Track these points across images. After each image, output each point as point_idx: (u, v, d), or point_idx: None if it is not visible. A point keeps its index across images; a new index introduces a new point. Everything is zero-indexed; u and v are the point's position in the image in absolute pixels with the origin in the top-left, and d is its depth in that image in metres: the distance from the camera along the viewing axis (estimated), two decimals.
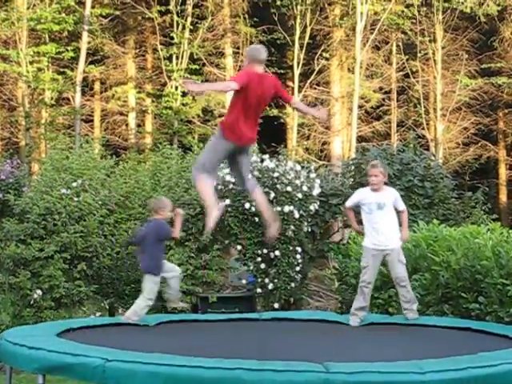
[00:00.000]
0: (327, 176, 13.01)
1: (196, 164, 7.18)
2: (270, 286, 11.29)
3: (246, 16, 24.98)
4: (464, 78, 25.23)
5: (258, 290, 11.39)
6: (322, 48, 24.76)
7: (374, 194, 8.15)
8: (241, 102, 6.76)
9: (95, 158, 13.21)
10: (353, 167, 12.87)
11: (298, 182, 11.43)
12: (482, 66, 25.78)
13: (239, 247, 11.54)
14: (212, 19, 24.78)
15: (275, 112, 24.85)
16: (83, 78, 23.59)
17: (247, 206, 11.20)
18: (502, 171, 28.38)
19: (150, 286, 8.13)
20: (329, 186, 12.28)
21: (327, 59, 24.99)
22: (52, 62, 23.75)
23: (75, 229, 11.20)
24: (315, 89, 25.21)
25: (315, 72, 24.67)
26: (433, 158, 14.12)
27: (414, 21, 24.79)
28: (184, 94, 24.32)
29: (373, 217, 8.11)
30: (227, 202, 11.16)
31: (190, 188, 11.86)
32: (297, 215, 11.31)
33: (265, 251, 11.32)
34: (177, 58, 24.36)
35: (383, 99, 26.11)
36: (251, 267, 11.44)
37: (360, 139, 24.50)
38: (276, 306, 11.23)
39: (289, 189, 11.25)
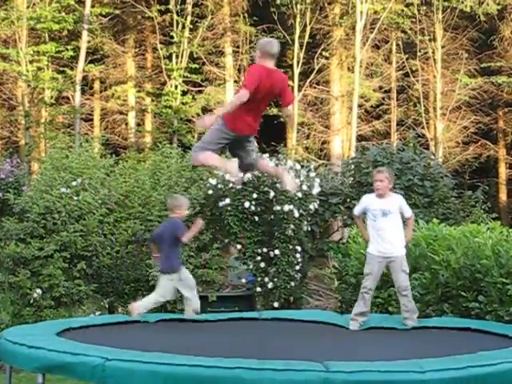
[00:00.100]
0: (327, 175, 13.01)
1: (195, 147, 7.13)
2: (270, 285, 11.28)
3: (246, 15, 24.96)
4: (464, 77, 25.21)
5: (258, 289, 11.38)
6: (322, 47, 24.74)
7: (379, 200, 8.09)
8: (252, 96, 6.66)
9: (95, 157, 13.20)
10: (352, 166, 12.86)
11: (297, 181, 11.42)
12: (482, 65, 25.76)
13: (239, 246, 11.55)
14: (212, 18, 24.76)
15: (275, 111, 24.82)
16: (83, 77, 23.59)
17: (247, 204, 11.20)
18: (502, 170, 28.38)
19: (163, 283, 8.14)
20: (328, 185, 12.28)
21: (327, 58, 24.98)
22: (52, 61, 23.74)
23: (75, 228, 11.19)
24: (315, 88, 25.20)
25: (315, 71, 24.65)
26: (433, 157, 14.11)
27: (414, 20, 24.77)
28: (184, 93, 24.32)
29: (377, 223, 8.06)
30: (227, 201, 11.16)
31: (189, 187, 11.86)
32: (296, 214, 11.30)
33: (264, 250, 11.32)
34: (176, 56, 24.35)
35: (383, 98, 26.10)
36: (251, 266, 11.44)
37: (360, 138, 24.48)
38: (276, 304, 11.23)
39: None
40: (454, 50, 26.04)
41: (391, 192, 8.26)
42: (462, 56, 25.56)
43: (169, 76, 24.37)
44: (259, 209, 11.35)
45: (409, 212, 8.20)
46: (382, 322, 8.08)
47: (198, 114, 24.57)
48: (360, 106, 24.42)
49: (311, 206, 11.56)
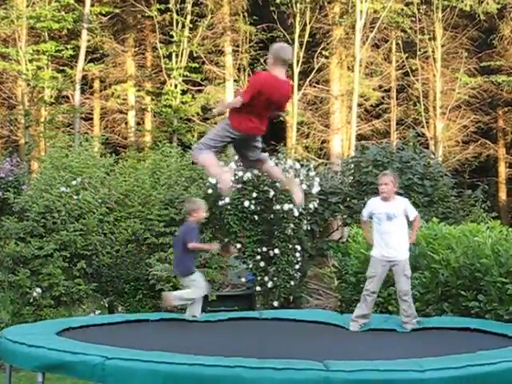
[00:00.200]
0: (326, 174, 13.02)
1: (197, 145, 7.11)
2: (270, 284, 11.29)
3: (246, 14, 24.96)
4: (464, 76, 25.22)
5: (258, 288, 11.39)
6: (322, 46, 24.74)
7: (384, 203, 8.08)
8: (253, 104, 6.64)
9: (95, 156, 13.20)
10: (352, 165, 12.87)
11: (297, 180, 11.42)
12: (482, 64, 25.76)
13: (239, 245, 11.55)
14: (211, 17, 24.76)
15: None
16: (83, 76, 23.58)
17: (246, 204, 11.20)
18: (502, 169, 28.37)
19: (191, 283, 8.13)
20: (328, 184, 12.29)
21: (327, 57, 24.97)
22: (51, 60, 23.72)
23: (75, 227, 11.20)
24: (315, 87, 25.20)
25: (315, 70, 24.64)
26: (432, 156, 14.12)
27: (414, 19, 24.77)
28: (183, 92, 24.32)
29: (382, 227, 8.05)
30: (227, 200, 11.16)
31: (189, 186, 11.86)
32: (296, 213, 11.30)
33: (264, 249, 11.33)
34: (176, 56, 24.34)
35: (383, 97, 26.09)
36: (250, 265, 11.45)
37: (359, 137, 24.47)
38: (275, 304, 11.23)
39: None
40: (453, 49, 26.03)
41: (396, 195, 8.25)
42: (462, 55, 25.55)
43: (168, 75, 24.36)
44: (259, 208, 11.35)
45: (413, 214, 8.17)
46: (382, 324, 8.08)
47: (198, 114, 24.62)
48: (360, 105, 24.42)
49: (311, 205, 11.57)
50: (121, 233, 11.60)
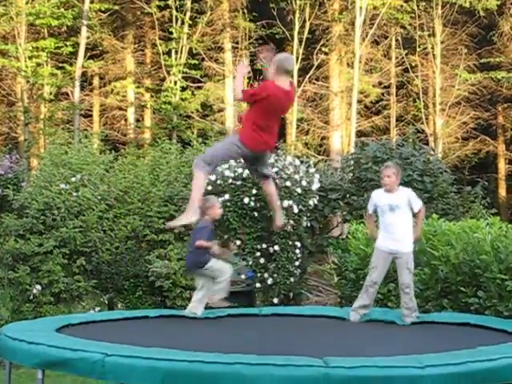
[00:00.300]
0: (326, 171, 13.01)
1: (204, 155, 7.13)
2: (270, 281, 11.28)
3: (245, 11, 24.96)
4: (463, 72, 25.21)
5: (258, 285, 11.38)
6: (321, 43, 24.74)
7: (387, 195, 8.06)
8: (259, 113, 6.73)
9: (94, 153, 13.21)
10: (352, 162, 12.86)
11: (297, 176, 11.42)
12: (482, 61, 25.76)
13: (238, 242, 11.53)
14: (211, 14, 24.76)
15: None
16: (82, 72, 23.59)
17: (246, 200, 11.19)
18: (501, 166, 28.38)
19: (212, 272, 8.12)
20: (328, 180, 12.28)
21: (326, 54, 24.97)
22: (51, 57, 23.74)
23: (74, 224, 11.20)
24: (314, 84, 25.20)
25: (314, 67, 24.65)
26: (432, 152, 14.11)
27: (413, 15, 24.77)
28: (183, 89, 24.31)
29: (385, 219, 8.03)
30: (226, 196, 11.16)
31: (189, 183, 11.85)
32: (296, 210, 11.30)
33: (264, 246, 11.31)
34: (176, 52, 24.34)
35: (382, 94, 26.10)
36: (250, 262, 11.44)
37: (359, 134, 24.48)
38: (275, 300, 11.23)
39: (288, 183, 11.24)
40: (453, 45, 26.03)
41: (400, 187, 8.23)
42: (462, 51, 25.54)
43: (168, 72, 24.37)
44: (258, 204, 11.34)
45: (418, 205, 8.07)
46: (382, 316, 8.08)
47: (198, 110, 24.62)
48: (359, 101, 24.42)
49: (311, 202, 11.56)
50: (120, 229, 11.60)
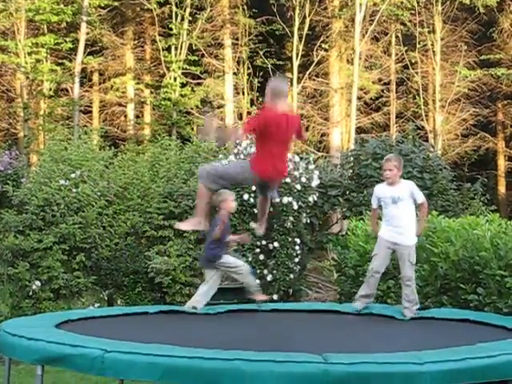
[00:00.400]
0: (326, 167, 13.02)
1: (212, 168, 7.15)
2: (269, 278, 11.29)
3: (245, 7, 24.95)
4: (463, 69, 25.20)
5: (257, 282, 11.38)
6: (321, 39, 24.73)
7: (390, 188, 8.05)
8: (264, 142, 6.74)
9: (94, 149, 13.19)
10: (352, 158, 12.86)
11: (296, 173, 11.42)
12: (481, 58, 25.75)
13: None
14: (211, 10, 24.74)
15: None
16: (82, 69, 23.56)
17: (246, 197, 11.19)
18: (501, 162, 28.38)
19: (227, 269, 8.19)
20: (328, 177, 12.28)
21: (326, 50, 24.96)
22: (50, 53, 23.72)
23: (74, 220, 11.20)
24: (314, 80, 25.19)
25: (314, 63, 24.64)
26: (432, 149, 14.12)
27: (413, 12, 24.76)
28: (183, 85, 24.31)
29: (388, 211, 8.02)
30: None
31: (188, 179, 11.85)
32: (295, 206, 11.30)
33: (263, 242, 11.32)
34: (175, 48, 24.33)
35: (382, 90, 26.09)
36: (250, 258, 11.43)
37: (359, 130, 24.48)
38: (275, 297, 11.23)
39: (287, 180, 11.24)
40: (453, 42, 26.02)
41: (402, 179, 8.21)
42: (462, 48, 25.55)
43: (168, 68, 24.35)
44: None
45: (421, 198, 8.02)
46: (382, 312, 8.09)
47: (197, 106, 24.61)
48: (359, 98, 24.41)
49: (310, 199, 11.56)
50: (120, 226, 11.60)
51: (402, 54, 25.63)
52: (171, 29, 24.39)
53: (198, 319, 7.87)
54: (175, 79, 24.05)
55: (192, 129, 24.17)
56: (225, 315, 8.17)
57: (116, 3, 24.33)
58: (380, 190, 8.19)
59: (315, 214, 11.97)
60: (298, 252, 11.49)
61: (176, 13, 24.20)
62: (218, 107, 25.41)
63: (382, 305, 8.82)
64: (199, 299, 8.16)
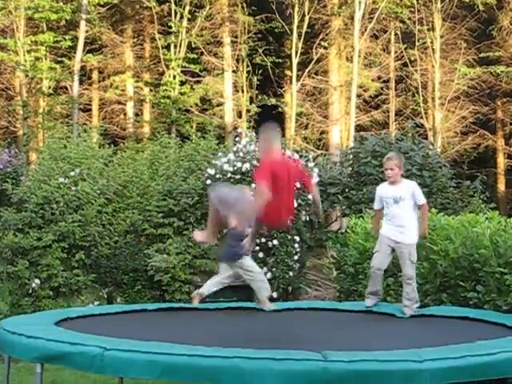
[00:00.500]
0: (325, 165, 13.02)
1: (218, 191, 7.30)
2: (268, 275, 11.27)
3: (244, 5, 24.93)
4: (462, 66, 25.19)
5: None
6: (321, 37, 24.72)
7: (391, 187, 8.03)
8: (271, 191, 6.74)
9: (93, 147, 13.19)
10: (351, 156, 12.86)
11: None
12: (481, 55, 25.75)
13: None
14: (210, 8, 24.73)
15: (273, 101, 24.84)
16: (81, 67, 23.55)
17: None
18: (501, 160, 28.39)
19: (243, 271, 8.16)
20: (327, 175, 12.28)
21: (325, 48, 24.94)
22: (50, 51, 23.71)
23: (73, 218, 11.20)
24: (313, 78, 25.18)
25: (313, 61, 24.63)
26: (431, 146, 14.12)
27: (413, 9, 24.74)
28: (182, 83, 24.30)
29: (390, 211, 8.01)
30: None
31: (188, 177, 11.85)
32: (295, 204, 11.28)
33: (263, 240, 11.31)
34: (175, 46, 24.33)
35: (381, 88, 26.08)
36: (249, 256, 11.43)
37: (358, 128, 24.46)
38: (274, 295, 11.23)
39: None
40: (452, 39, 26.01)
41: (403, 179, 8.21)
42: (461, 46, 25.53)
43: (167, 66, 24.35)
44: None
45: (422, 199, 8.03)
46: (381, 310, 8.10)
47: (197, 104, 24.60)
48: (358, 95, 24.40)
49: (310, 196, 11.55)
50: (119, 224, 11.60)
51: (402, 52, 25.61)
52: (170, 27, 24.38)
53: (197, 316, 7.87)
54: (174, 77, 24.05)
55: (191, 127, 24.17)
56: (224, 313, 8.17)
57: (115, 1, 24.28)
58: (382, 190, 8.18)
59: (314, 212, 11.96)
60: (298, 250, 11.48)
61: (175, 11, 24.20)
62: (218, 105, 25.41)
63: (382, 303, 8.82)
64: (206, 288, 8.19)
